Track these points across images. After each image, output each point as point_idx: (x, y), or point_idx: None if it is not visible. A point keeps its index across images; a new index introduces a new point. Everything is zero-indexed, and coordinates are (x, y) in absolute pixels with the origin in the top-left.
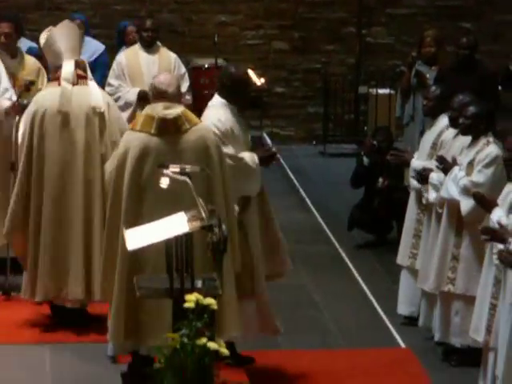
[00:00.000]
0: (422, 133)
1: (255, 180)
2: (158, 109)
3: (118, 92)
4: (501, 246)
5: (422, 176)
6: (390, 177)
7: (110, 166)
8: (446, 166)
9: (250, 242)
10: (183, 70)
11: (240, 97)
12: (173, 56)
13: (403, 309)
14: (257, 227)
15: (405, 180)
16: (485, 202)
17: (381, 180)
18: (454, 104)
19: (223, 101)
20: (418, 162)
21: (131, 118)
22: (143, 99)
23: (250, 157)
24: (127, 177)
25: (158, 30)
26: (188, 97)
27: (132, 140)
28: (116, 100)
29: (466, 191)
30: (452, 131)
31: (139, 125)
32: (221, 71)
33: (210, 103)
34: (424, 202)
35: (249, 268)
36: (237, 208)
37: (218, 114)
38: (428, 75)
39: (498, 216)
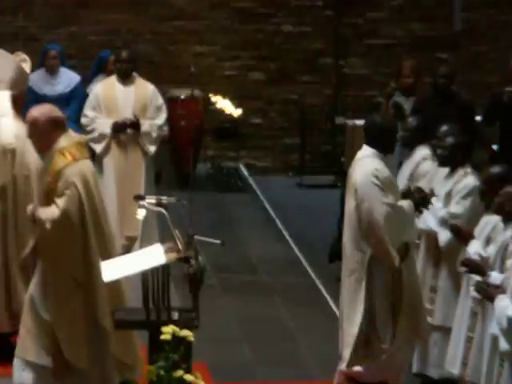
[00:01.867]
0: (399, 164)
1: (413, 226)
2: (75, 134)
3: (92, 124)
4: (478, 278)
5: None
6: None
7: (70, 203)
8: (423, 198)
9: (405, 289)
10: (160, 101)
11: (388, 144)
12: (150, 87)
13: None
14: (417, 273)
15: None
16: (462, 234)
17: None
18: (438, 134)
19: (374, 151)
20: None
21: (106, 150)
22: (117, 131)
23: (407, 205)
24: (99, 204)
25: (135, 61)
26: (165, 128)
27: (83, 170)
28: (91, 131)
29: (443, 222)
30: (429, 163)
31: (79, 154)
32: (367, 123)
33: (360, 155)
34: None
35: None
36: (396, 256)
37: (373, 163)
38: (406, 106)
39: (474, 249)
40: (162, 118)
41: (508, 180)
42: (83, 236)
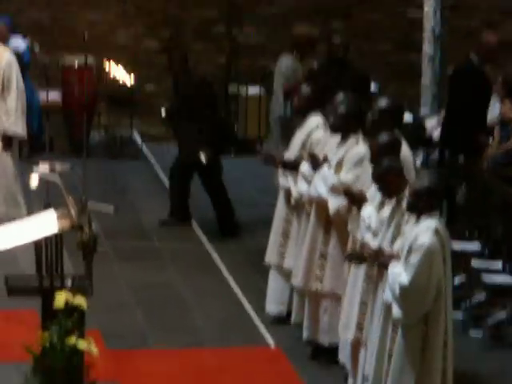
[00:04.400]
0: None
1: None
2: None
3: None
4: (373, 242)
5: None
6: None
7: None
8: (315, 165)
9: None
10: (13, 75)
11: None
12: (6, 58)
13: (271, 308)
14: None
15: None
16: (355, 199)
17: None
18: (332, 102)
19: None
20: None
21: None
22: None
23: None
24: None
25: None
26: (22, 97)
27: None
28: None
29: (333, 190)
30: (321, 131)
31: None
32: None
33: None
34: (292, 202)
35: None
36: None
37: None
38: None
39: (368, 212)
40: (12, 98)
41: (394, 147)
42: None
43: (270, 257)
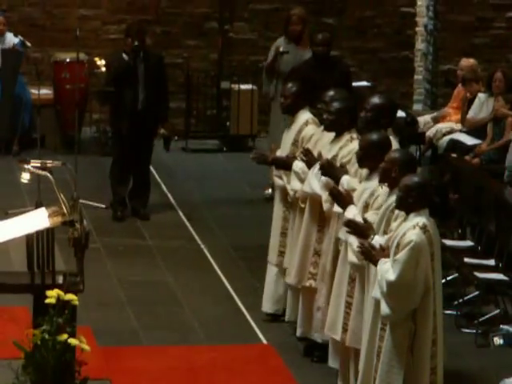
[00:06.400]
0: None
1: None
2: None
3: None
4: (355, 243)
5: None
6: None
7: None
8: (309, 160)
9: None
10: None
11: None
12: None
13: (268, 306)
14: None
15: (269, 179)
16: (341, 198)
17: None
18: (324, 98)
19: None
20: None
21: None
22: None
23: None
24: None
25: None
26: None
27: None
28: None
29: (327, 186)
30: (312, 127)
31: None
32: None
33: None
34: (289, 199)
35: None
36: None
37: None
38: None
39: (352, 214)
40: None
41: (385, 146)
42: None
43: (272, 257)
